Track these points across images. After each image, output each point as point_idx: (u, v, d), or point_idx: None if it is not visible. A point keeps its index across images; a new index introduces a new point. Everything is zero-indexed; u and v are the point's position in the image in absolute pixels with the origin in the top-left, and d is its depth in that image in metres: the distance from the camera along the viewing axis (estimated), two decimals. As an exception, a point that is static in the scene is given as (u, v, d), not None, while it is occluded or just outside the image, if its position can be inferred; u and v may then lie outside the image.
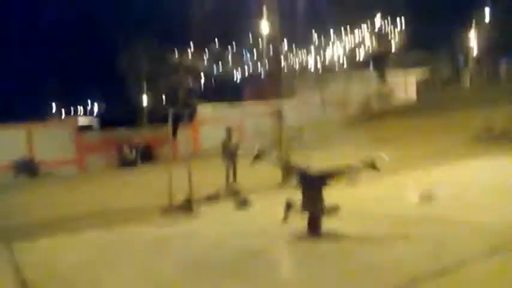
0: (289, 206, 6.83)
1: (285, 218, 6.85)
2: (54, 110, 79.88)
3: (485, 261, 5.04)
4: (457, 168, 12.91)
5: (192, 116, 10.22)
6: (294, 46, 67.56)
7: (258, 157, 7.07)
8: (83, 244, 7.64)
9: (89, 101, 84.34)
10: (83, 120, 43.17)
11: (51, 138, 32.28)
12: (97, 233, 8.31)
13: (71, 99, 78.65)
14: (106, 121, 47.97)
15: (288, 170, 7.63)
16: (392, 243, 6.04)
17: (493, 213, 7.03)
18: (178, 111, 10.11)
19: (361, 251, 5.90)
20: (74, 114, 75.32)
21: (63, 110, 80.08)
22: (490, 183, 9.84)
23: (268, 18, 17.53)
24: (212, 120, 28.63)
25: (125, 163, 33.04)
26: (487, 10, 45.76)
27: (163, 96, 36.17)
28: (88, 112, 78.34)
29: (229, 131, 14.80)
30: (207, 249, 6.64)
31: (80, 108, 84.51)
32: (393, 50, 60.80)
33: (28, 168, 29.56)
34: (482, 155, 14.96)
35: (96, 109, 79.72)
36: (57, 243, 7.92)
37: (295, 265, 5.75)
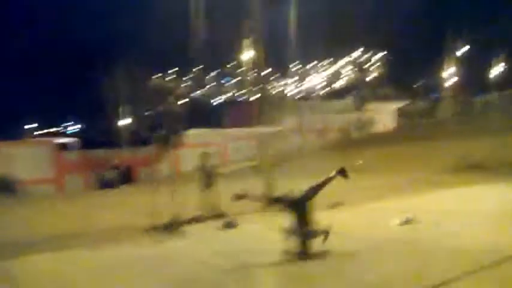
0: (288, 231, 6.91)
1: (235, 198, 6.98)
2: (31, 129, 78.82)
3: (461, 282, 5.25)
4: (436, 195, 13.26)
5: (177, 140, 10.36)
6: (274, 73, 68.46)
7: (241, 197, 7.19)
8: (68, 263, 7.62)
9: (68, 122, 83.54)
10: (62, 140, 42.72)
11: (30, 157, 31.89)
12: (81, 252, 8.30)
13: (50, 118, 77.78)
14: (85, 141, 47.64)
15: (272, 202, 7.76)
16: (378, 263, 6.23)
17: (470, 238, 7.28)
18: (164, 135, 10.23)
19: (350, 270, 6.07)
20: (52, 133, 74.42)
21: (41, 129, 79.13)
22: (468, 209, 10.17)
23: (251, 44, 17.88)
24: (193, 143, 28.86)
25: (105, 184, 32.76)
26: (462, 48, 47.36)
27: (147, 119, 36.31)
28: (66, 132, 77.53)
29: (205, 156, 15.10)
30: (192, 268, 6.72)
31: (59, 128, 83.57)
32: (372, 80, 62.06)
33: (5, 187, 29.10)
34: (460, 184, 15.40)
35: (74, 129, 78.97)
36: (41, 261, 7.89)
37: (285, 285, 5.86)
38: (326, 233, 6.85)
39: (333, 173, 7.07)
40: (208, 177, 14.74)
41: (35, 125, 77.18)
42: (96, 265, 7.24)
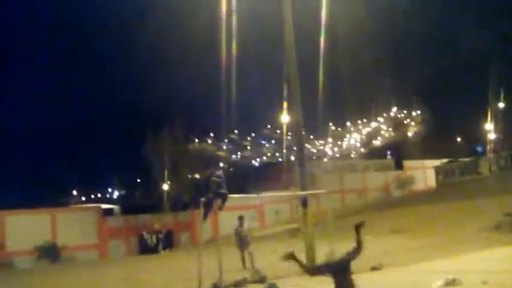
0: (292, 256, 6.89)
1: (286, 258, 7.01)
2: (75, 196, 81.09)
3: None
4: (479, 255, 12.99)
5: (223, 203, 10.76)
6: (311, 136, 69.09)
7: (291, 257, 7.30)
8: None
9: (109, 188, 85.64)
10: (104, 206, 43.98)
11: (74, 223, 32.92)
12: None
13: (92, 185, 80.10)
14: (127, 207, 48.78)
15: (314, 272, 7.83)
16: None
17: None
18: (209, 199, 10.65)
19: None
20: (94, 199, 76.37)
21: (83, 196, 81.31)
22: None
23: (291, 106, 18.38)
24: (231, 207, 29.11)
25: (146, 249, 33.28)
26: (501, 103, 47.06)
27: (192, 184, 37.10)
28: (108, 198, 79.46)
29: (241, 219, 15.54)
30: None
31: (100, 195, 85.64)
32: (410, 138, 61.74)
33: (51, 253, 29.95)
34: (504, 243, 15.02)
35: (116, 195, 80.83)
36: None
37: None
38: None
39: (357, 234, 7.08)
40: (242, 240, 15.07)
41: (77, 191, 79.52)
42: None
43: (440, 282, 8.73)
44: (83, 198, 78.54)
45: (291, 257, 7.16)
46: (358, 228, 7.36)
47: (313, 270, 7.89)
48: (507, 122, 47.25)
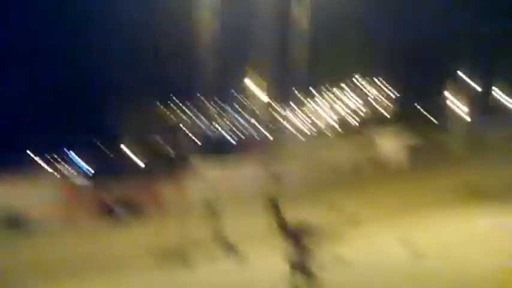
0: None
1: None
2: (35, 160, 78.99)
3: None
4: (449, 226, 13.21)
5: (188, 171, 10.59)
6: (285, 109, 68.91)
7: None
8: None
9: (73, 153, 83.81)
10: (68, 172, 42.84)
11: (35, 190, 31.87)
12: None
13: (55, 150, 78.06)
14: (94, 174, 47.77)
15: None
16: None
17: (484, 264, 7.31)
18: (174, 165, 10.46)
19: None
20: (58, 165, 74.57)
21: (45, 161, 79.27)
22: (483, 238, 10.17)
23: (261, 80, 18.13)
24: (203, 175, 28.95)
25: (112, 216, 32.72)
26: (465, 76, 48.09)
27: (155, 149, 36.60)
28: (73, 164, 77.80)
29: (212, 188, 15.39)
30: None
31: (64, 159, 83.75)
32: (382, 114, 62.37)
33: (10, 222, 29.13)
34: (470, 213, 15.29)
35: (81, 161, 79.22)
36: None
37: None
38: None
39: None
40: (214, 206, 14.87)
41: (38, 156, 77.34)
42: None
43: (396, 250, 8.81)
44: (44, 162, 76.88)
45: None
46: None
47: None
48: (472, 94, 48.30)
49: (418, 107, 54.67)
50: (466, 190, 17.84)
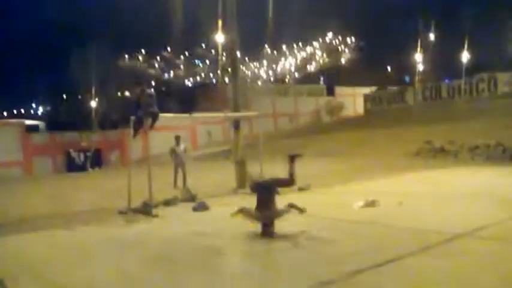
0: (241, 211, 7.38)
1: (234, 214, 7.40)
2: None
3: (419, 256, 5.71)
4: (398, 178, 13.86)
5: (154, 122, 10.48)
6: (246, 58, 68.25)
7: (240, 211, 7.50)
8: (47, 242, 7.77)
9: (33, 104, 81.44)
10: (29, 122, 41.97)
11: (-3, 139, 31.27)
12: (59, 232, 8.46)
13: (14, 100, 75.74)
14: (53, 124, 46.84)
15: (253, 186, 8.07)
16: (339, 241, 6.64)
17: (429, 219, 7.78)
18: (139, 118, 10.34)
19: (312, 245, 6.49)
20: (17, 115, 72.64)
21: (5, 111, 76.97)
22: (427, 192, 10.75)
23: (225, 27, 17.91)
24: (162, 127, 28.74)
25: (74, 167, 32.56)
26: (431, 35, 48.52)
27: (121, 102, 35.99)
28: (32, 114, 75.83)
29: (177, 139, 15.46)
30: (168, 246, 7.00)
31: (23, 110, 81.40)
32: (344, 65, 62.61)
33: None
34: (422, 167, 16.08)
35: (40, 111, 77.15)
36: (21, 240, 8.03)
37: (252, 259, 6.20)
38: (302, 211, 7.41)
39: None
40: (178, 159, 15.11)
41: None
42: (69, 246, 7.42)
43: (361, 203, 9.25)
44: (4, 114, 74.62)
45: (241, 211, 7.40)
46: (292, 159, 7.60)
47: (251, 186, 8.20)
48: (436, 54, 49.01)
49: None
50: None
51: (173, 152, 15.26)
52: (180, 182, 14.75)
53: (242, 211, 7.43)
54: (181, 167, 15.09)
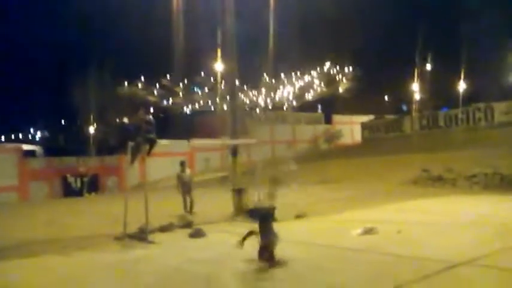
0: (250, 233, 7.25)
1: (242, 241, 7.27)
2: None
3: (417, 285, 5.65)
4: (396, 207, 13.79)
5: (151, 149, 10.47)
6: (244, 86, 68.67)
7: (249, 234, 7.43)
8: (42, 268, 7.67)
9: (32, 129, 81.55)
10: (26, 147, 41.99)
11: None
12: (55, 258, 8.36)
13: (12, 125, 75.85)
14: (51, 149, 46.86)
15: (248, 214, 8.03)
16: (337, 269, 6.57)
17: (428, 247, 7.72)
18: (137, 144, 10.34)
19: (311, 275, 6.40)
20: (15, 140, 72.66)
21: (3, 135, 77.00)
22: (426, 220, 10.68)
23: (225, 55, 18.04)
24: (160, 153, 28.79)
25: (71, 192, 32.43)
26: (428, 65, 49.09)
27: (120, 128, 35.98)
28: (30, 139, 75.83)
29: (183, 164, 15.37)
30: (163, 273, 6.91)
31: (21, 135, 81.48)
32: (341, 93, 62.79)
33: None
34: (420, 195, 16.03)
35: (38, 136, 77.23)
36: (16, 266, 7.93)
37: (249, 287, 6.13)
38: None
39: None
40: (185, 185, 14.92)
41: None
42: (65, 272, 7.33)
43: (359, 231, 9.19)
44: (2, 138, 74.58)
45: (251, 234, 7.34)
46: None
47: (248, 212, 8.13)
48: (433, 83, 49.45)
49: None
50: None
51: (179, 178, 15.05)
52: (188, 208, 14.55)
53: (252, 234, 7.31)
54: (188, 193, 14.86)
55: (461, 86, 43.00)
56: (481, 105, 31.73)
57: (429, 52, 49.43)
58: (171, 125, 50.36)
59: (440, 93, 50.06)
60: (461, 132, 30.40)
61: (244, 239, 7.28)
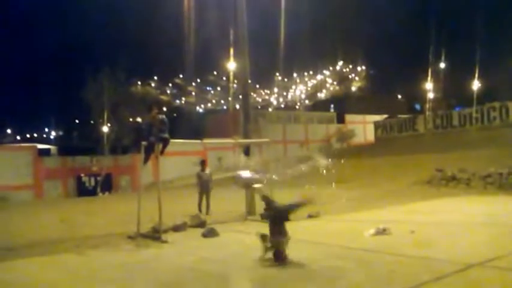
0: (264, 238, 7.24)
1: (265, 251, 7.22)
2: (9, 134, 77.69)
3: (431, 286, 5.61)
4: (410, 207, 13.71)
5: (164, 148, 10.50)
6: (257, 85, 68.77)
7: (263, 239, 7.40)
8: (51, 268, 7.74)
9: (46, 128, 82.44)
10: (41, 146, 42.42)
11: (8, 163, 31.60)
12: (68, 256, 8.45)
13: (27, 124, 76.75)
14: (65, 148, 47.27)
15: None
16: (350, 270, 6.55)
17: (441, 248, 7.67)
18: (150, 143, 10.38)
19: (323, 275, 6.38)
20: (30, 139, 73.46)
21: (18, 135, 77.95)
22: (440, 220, 10.60)
23: (237, 55, 18.04)
24: (173, 152, 28.93)
25: (85, 191, 32.66)
26: (442, 64, 48.65)
27: (133, 128, 36.18)
28: (45, 138, 76.72)
29: (203, 163, 15.39)
30: (176, 272, 6.94)
31: (36, 134, 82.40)
32: (354, 92, 62.72)
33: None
34: (433, 196, 15.92)
35: (53, 136, 78.04)
36: (29, 264, 8.01)
37: (260, 287, 6.13)
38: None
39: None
40: (204, 184, 14.88)
41: (12, 130, 75.94)
42: (80, 270, 7.40)
43: (372, 231, 9.14)
44: (18, 138, 75.48)
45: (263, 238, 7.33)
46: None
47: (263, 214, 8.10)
48: (446, 82, 49.06)
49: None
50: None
51: (199, 177, 15.00)
52: (204, 208, 14.50)
53: (265, 237, 7.30)
54: (206, 193, 14.79)
55: (476, 84, 42.55)
56: (496, 104, 31.36)
57: (443, 51, 49.07)
58: (184, 124, 50.59)
59: (454, 92, 49.63)
60: (476, 131, 30.08)
61: (266, 250, 7.21)
